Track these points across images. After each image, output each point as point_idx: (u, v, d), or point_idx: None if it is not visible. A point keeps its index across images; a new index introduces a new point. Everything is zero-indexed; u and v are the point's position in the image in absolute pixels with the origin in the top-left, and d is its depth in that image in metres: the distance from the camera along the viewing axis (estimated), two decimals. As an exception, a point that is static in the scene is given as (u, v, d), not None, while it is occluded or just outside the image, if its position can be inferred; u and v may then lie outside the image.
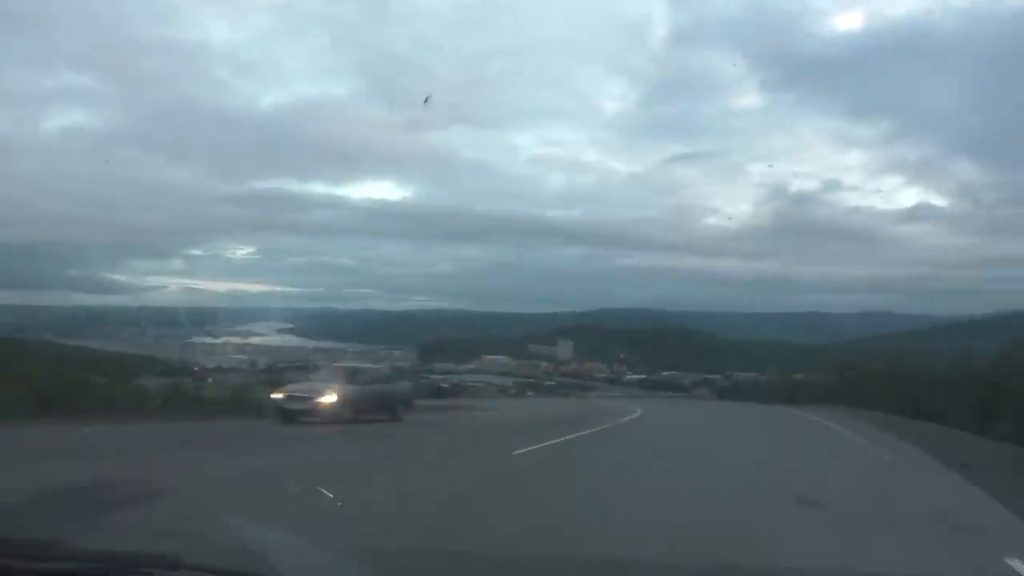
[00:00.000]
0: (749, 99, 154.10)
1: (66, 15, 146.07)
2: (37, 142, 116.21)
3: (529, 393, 58.96)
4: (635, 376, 65.77)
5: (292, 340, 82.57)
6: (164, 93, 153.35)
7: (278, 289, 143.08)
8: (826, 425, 23.98)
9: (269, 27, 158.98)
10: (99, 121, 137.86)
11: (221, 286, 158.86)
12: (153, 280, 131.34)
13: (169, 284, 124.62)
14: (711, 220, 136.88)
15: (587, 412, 26.99)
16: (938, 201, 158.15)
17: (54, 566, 1.82)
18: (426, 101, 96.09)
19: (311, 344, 79.82)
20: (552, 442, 14.99)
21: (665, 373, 65.31)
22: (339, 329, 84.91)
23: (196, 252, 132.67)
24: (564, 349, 70.51)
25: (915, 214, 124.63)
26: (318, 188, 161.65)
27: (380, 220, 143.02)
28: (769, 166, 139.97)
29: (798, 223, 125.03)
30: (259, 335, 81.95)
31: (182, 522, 5.88)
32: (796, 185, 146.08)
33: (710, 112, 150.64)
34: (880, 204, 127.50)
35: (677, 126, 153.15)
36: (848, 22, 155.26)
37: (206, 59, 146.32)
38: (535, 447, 13.80)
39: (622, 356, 68.31)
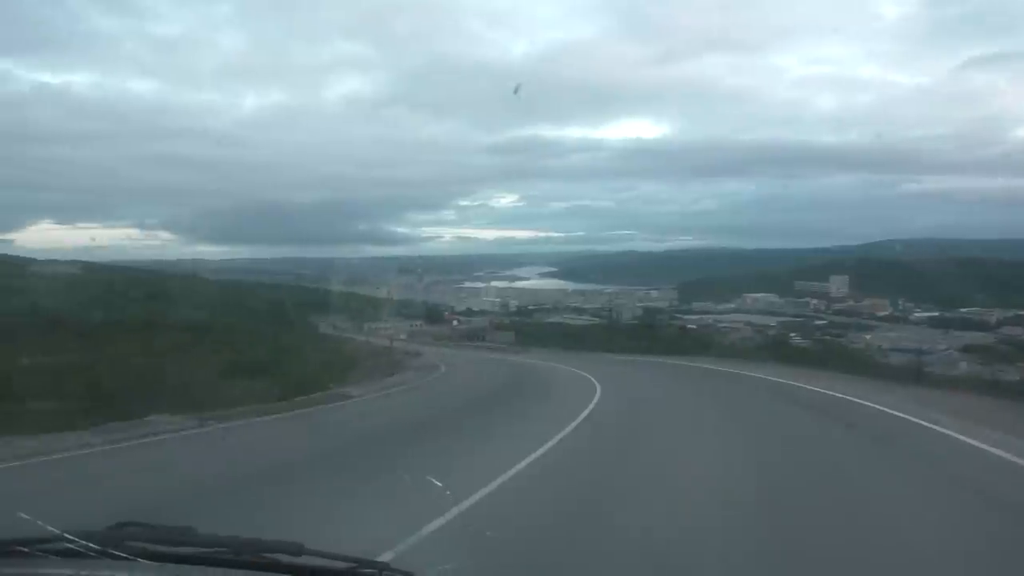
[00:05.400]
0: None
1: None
2: (320, 110, 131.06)
3: (792, 334, 54.12)
4: (924, 314, 57.32)
5: (554, 283, 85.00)
6: (424, 51, 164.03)
7: (542, 234, 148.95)
8: None
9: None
10: (369, 85, 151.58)
11: (489, 234, 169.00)
12: (429, 231, 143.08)
13: (443, 234, 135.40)
14: (1022, 131, 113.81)
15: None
16: None
17: (187, 551, 2.04)
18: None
19: (571, 287, 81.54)
20: None
21: (964, 310, 56.00)
22: (601, 271, 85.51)
23: (465, 203, 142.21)
24: (838, 285, 63.76)
25: None
26: (574, 132, 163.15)
27: (638, 159, 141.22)
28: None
29: None
30: (523, 279, 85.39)
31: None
32: None
33: (1018, 2, 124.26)
34: None
35: (974, 24, 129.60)
36: None
37: (460, 14, 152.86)
38: None
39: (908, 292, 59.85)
